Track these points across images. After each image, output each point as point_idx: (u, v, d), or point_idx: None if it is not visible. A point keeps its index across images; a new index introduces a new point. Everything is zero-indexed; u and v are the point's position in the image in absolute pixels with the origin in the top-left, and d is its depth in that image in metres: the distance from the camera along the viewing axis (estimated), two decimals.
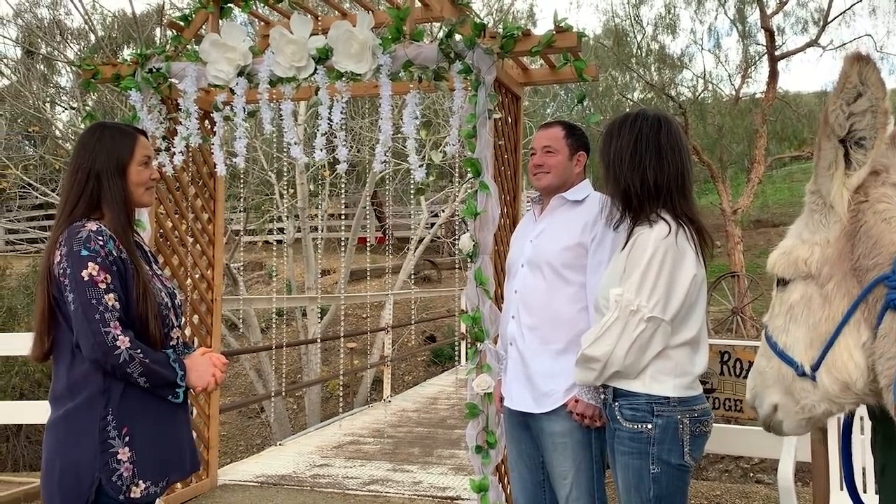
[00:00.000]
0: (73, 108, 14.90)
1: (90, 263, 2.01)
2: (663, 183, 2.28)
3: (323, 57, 3.70)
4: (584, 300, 2.60)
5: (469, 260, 3.53)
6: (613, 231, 2.42)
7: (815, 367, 1.38)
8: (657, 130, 2.32)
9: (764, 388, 1.58)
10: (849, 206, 1.33)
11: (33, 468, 10.48)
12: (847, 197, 1.33)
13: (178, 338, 2.25)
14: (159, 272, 2.30)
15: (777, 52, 15.43)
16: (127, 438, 2.06)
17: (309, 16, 4.18)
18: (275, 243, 14.14)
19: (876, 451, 1.48)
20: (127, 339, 2.02)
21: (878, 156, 1.33)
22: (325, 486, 5.07)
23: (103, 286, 2.01)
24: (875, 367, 1.26)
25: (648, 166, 2.29)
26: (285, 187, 12.57)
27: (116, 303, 2.03)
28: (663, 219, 2.26)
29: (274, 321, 11.79)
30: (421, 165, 3.52)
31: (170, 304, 2.22)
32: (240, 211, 12.59)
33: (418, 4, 3.92)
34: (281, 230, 14.17)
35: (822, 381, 1.36)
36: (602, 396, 2.41)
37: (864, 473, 2.86)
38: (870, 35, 19.26)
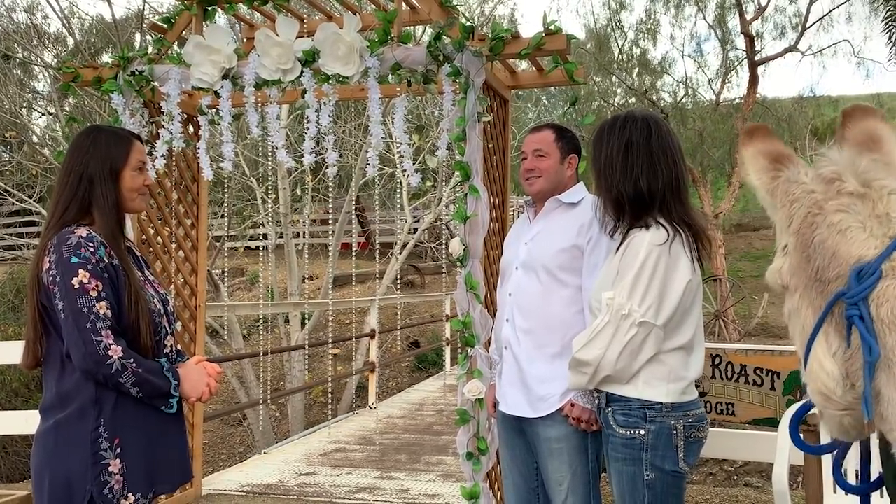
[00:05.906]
0: (51, 114, 14.69)
1: (80, 270, 1.95)
2: (657, 189, 2.24)
3: (309, 59, 3.66)
4: (580, 303, 2.56)
5: (458, 264, 3.49)
6: (609, 237, 2.39)
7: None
8: (647, 135, 2.27)
9: None
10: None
11: (10, 479, 10.27)
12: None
13: (171, 345, 2.18)
14: (151, 278, 2.23)
15: (756, 58, 15.59)
16: (119, 450, 1.99)
17: (294, 18, 4.13)
18: (260, 248, 14.00)
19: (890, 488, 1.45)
20: (119, 348, 1.95)
21: (828, 163, 1.31)
22: (311, 494, 5.00)
23: (94, 294, 1.95)
24: (850, 376, 1.23)
25: (641, 173, 2.24)
26: (266, 192, 12.47)
27: (108, 311, 1.96)
28: (660, 224, 2.22)
29: (260, 328, 11.66)
30: (417, 171, 3.48)
31: (163, 311, 2.16)
32: (221, 216, 12.46)
33: (405, 7, 3.89)
34: (264, 236, 14.03)
35: (809, 390, 1.32)
36: (596, 401, 2.38)
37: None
38: (847, 41, 19.56)
